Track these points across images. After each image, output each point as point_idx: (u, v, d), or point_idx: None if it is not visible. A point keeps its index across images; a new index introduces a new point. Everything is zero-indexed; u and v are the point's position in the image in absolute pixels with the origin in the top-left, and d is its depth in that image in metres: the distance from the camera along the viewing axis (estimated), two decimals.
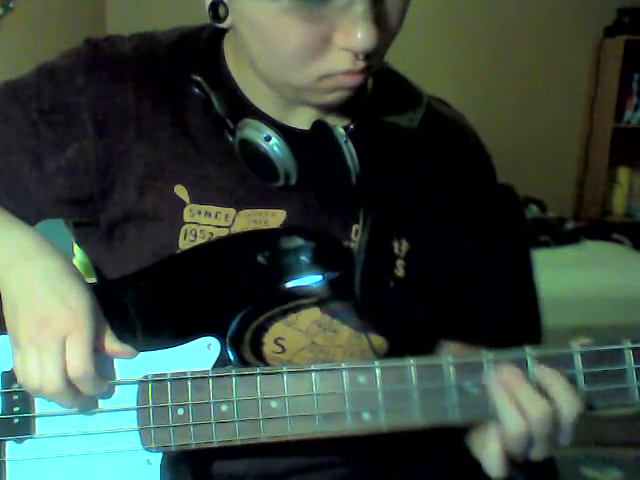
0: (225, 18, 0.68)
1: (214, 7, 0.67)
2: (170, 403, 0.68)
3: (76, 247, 0.90)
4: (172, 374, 0.69)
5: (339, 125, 0.72)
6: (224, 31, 0.76)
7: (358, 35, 0.61)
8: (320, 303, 0.75)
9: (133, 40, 0.78)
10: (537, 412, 0.64)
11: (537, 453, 0.67)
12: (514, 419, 0.64)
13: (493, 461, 0.67)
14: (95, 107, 0.74)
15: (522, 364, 0.66)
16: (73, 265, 0.71)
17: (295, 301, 0.73)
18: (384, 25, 0.64)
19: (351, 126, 0.71)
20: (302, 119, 0.75)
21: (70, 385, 0.65)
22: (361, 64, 0.64)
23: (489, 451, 0.68)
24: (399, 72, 0.83)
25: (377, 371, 0.67)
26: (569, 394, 0.65)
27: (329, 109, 0.75)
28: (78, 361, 0.64)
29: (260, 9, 0.62)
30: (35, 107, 0.74)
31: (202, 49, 0.77)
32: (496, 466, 0.68)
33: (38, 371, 0.64)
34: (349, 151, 0.71)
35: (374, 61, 0.66)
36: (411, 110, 0.79)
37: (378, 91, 0.80)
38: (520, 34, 3.61)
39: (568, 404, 0.64)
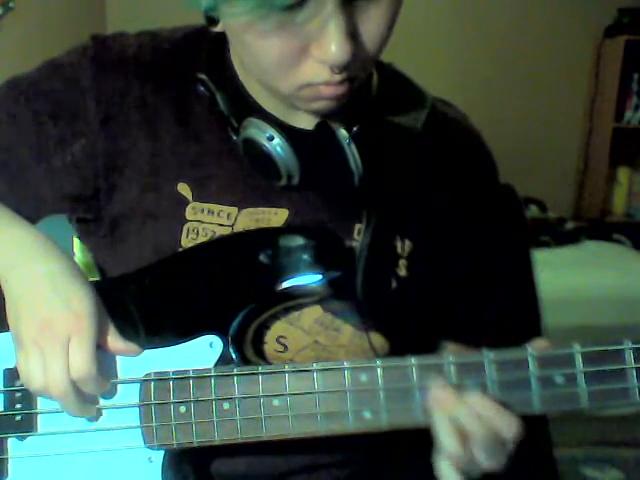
0: (218, 22, 0.67)
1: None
2: (172, 401, 0.68)
3: (76, 245, 0.90)
4: (174, 372, 0.69)
5: (343, 126, 0.72)
6: None
7: (332, 48, 0.60)
8: (322, 302, 0.75)
9: (139, 37, 0.78)
10: (478, 432, 0.63)
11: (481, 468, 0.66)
12: (452, 441, 0.64)
13: None
14: (101, 103, 0.74)
15: (523, 364, 0.66)
16: (76, 266, 0.71)
17: (297, 299, 0.73)
18: (362, 38, 0.63)
19: (355, 128, 0.71)
20: (307, 119, 0.75)
21: (74, 386, 0.66)
22: (338, 77, 0.64)
23: (443, 474, 0.67)
24: (404, 73, 0.82)
25: (379, 370, 0.67)
26: (505, 416, 0.64)
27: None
28: (80, 363, 0.65)
29: (233, 23, 0.63)
30: (41, 103, 0.74)
31: (208, 47, 0.77)
32: None
33: (41, 373, 0.65)
34: (352, 153, 0.71)
35: (356, 72, 0.65)
36: (415, 111, 0.78)
37: (383, 92, 0.80)
38: (520, 34, 3.61)
39: (506, 426, 0.64)
